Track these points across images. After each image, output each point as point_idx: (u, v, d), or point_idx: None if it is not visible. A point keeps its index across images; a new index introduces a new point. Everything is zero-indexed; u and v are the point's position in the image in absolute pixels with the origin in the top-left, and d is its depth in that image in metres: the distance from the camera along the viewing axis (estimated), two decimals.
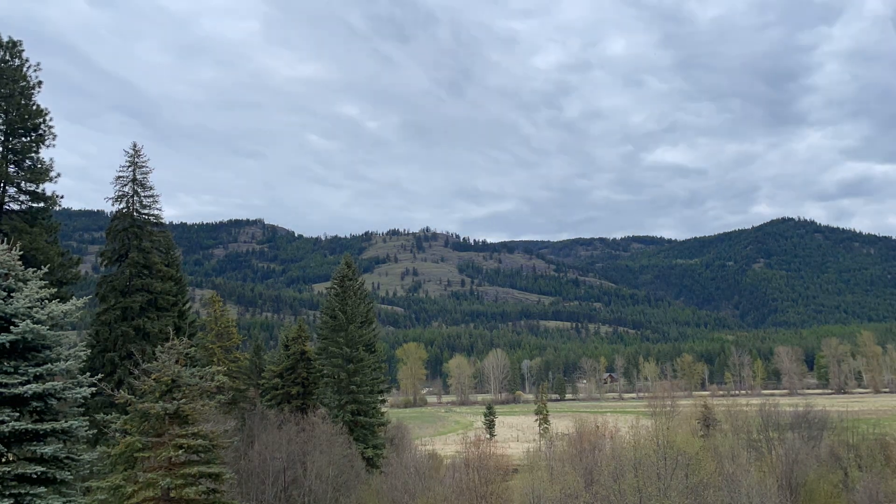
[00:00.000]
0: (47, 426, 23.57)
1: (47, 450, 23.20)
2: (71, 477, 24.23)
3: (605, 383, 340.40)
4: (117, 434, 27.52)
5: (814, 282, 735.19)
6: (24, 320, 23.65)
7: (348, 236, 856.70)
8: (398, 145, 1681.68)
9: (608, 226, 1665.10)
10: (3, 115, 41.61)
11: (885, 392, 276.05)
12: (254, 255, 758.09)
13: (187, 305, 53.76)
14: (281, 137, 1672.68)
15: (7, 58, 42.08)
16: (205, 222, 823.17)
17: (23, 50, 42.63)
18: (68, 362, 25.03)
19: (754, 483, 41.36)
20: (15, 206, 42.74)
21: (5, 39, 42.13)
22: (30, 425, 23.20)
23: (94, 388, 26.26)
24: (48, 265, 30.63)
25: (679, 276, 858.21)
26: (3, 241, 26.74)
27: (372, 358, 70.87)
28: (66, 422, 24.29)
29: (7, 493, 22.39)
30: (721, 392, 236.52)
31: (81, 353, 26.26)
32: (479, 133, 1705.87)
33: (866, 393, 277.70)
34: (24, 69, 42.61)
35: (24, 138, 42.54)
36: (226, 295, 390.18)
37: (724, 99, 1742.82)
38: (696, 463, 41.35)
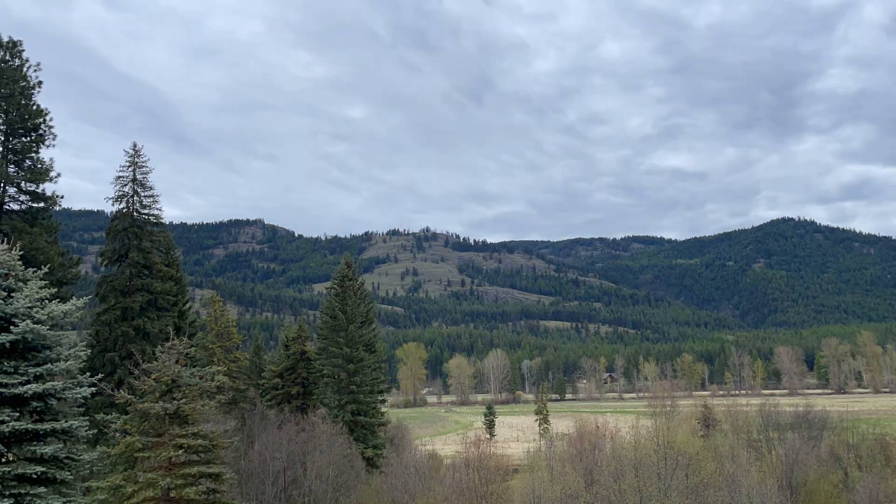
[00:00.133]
0: (47, 426, 23.55)
1: (47, 450, 23.18)
2: (71, 477, 24.21)
3: (605, 383, 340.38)
4: (117, 434, 27.50)
5: (814, 282, 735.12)
6: (24, 320, 23.64)
7: (348, 236, 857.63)
8: (413, 150, 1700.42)
9: (608, 226, 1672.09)
10: (3, 115, 41.61)
11: (885, 392, 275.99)
12: (254, 255, 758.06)
13: (187, 305, 53.74)
14: (296, 140, 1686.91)
15: (7, 58, 42.08)
16: (205, 222, 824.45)
17: (23, 50, 42.64)
18: (68, 362, 25.02)
19: (754, 483, 41.37)
20: (15, 206, 42.74)
21: (5, 39, 42.14)
22: (30, 425, 23.19)
23: (94, 388, 26.25)
24: (48, 265, 30.62)
25: (679, 276, 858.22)
26: (3, 241, 26.73)
27: (372, 358, 70.86)
28: (66, 422, 24.28)
29: (7, 493, 22.38)
30: (721, 392, 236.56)
31: (81, 353, 26.24)
32: (492, 137, 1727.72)
33: (866, 393, 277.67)
34: (25, 69, 42.61)
35: (24, 138, 42.54)
36: (226, 295, 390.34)
37: (724, 103, 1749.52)
38: (697, 463, 41.35)
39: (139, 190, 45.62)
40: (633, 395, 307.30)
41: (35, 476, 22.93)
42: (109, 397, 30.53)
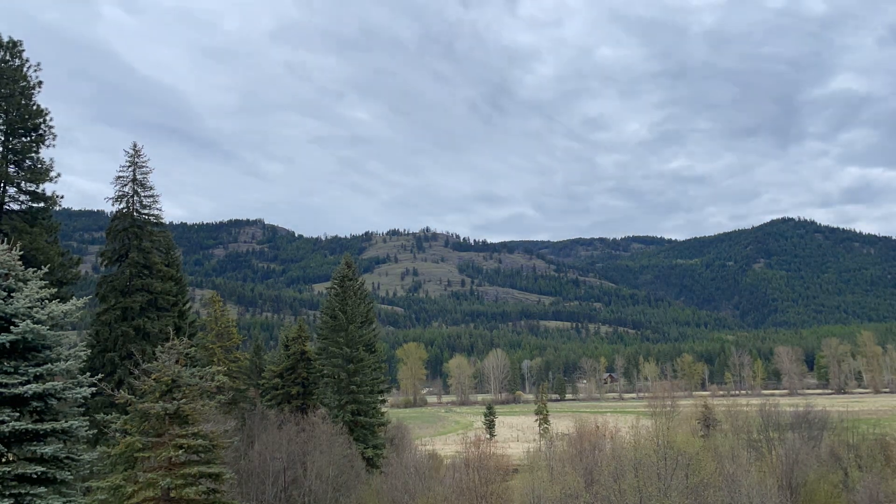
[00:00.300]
0: (47, 426, 23.55)
1: (47, 450, 23.18)
2: (71, 477, 24.21)
3: (605, 383, 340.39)
4: (117, 434, 27.50)
5: (814, 282, 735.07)
6: (24, 320, 23.64)
7: (348, 236, 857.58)
8: (430, 154, 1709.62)
9: (608, 226, 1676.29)
10: (3, 115, 41.61)
11: (885, 392, 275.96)
12: (254, 255, 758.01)
13: (187, 305, 53.75)
14: (311, 142, 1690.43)
15: (7, 58, 42.09)
16: (205, 222, 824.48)
17: (23, 50, 42.65)
18: (68, 362, 25.01)
19: (754, 483, 41.37)
20: (15, 206, 42.75)
21: (5, 39, 42.15)
22: (30, 425, 23.18)
23: (94, 388, 26.25)
24: (48, 265, 30.62)
25: (679, 276, 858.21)
26: (3, 241, 26.73)
27: (372, 358, 70.86)
28: (66, 422, 24.28)
29: (7, 493, 22.38)
30: (721, 392, 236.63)
31: (81, 353, 26.24)
32: (499, 140, 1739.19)
33: (866, 393, 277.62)
34: (25, 69, 42.61)
35: (24, 138, 42.55)
36: (226, 295, 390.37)
37: (725, 108, 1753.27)
38: (697, 463, 41.34)
39: (139, 190, 45.63)
40: (633, 395, 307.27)
41: (35, 476, 22.92)
42: (109, 397, 30.54)
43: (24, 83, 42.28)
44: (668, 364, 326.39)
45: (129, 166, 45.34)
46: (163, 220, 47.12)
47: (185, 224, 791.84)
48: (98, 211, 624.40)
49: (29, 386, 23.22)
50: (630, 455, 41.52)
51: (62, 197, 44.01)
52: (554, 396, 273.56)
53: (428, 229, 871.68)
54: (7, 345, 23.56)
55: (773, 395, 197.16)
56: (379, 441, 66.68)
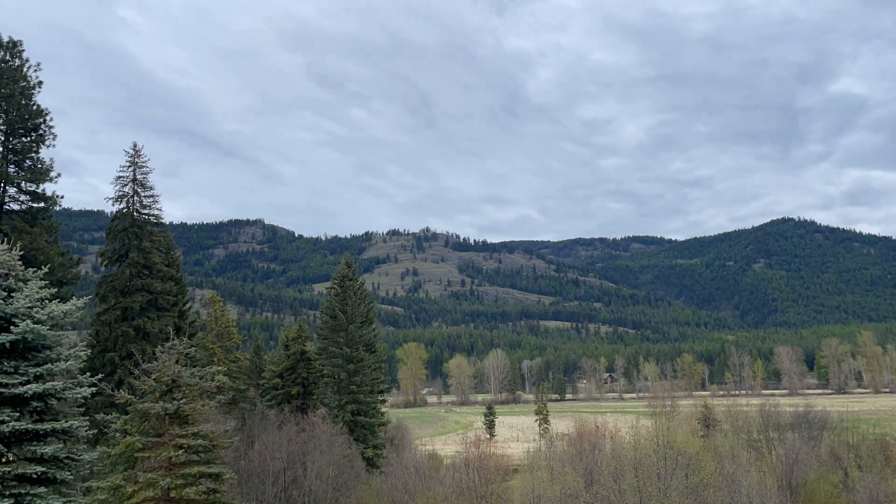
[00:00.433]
0: (47, 426, 23.55)
1: (47, 450, 23.18)
2: (71, 477, 24.21)
3: (606, 383, 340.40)
4: (117, 434, 27.50)
5: (814, 282, 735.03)
6: (24, 320, 23.64)
7: (348, 236, 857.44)
8: (445, 157, 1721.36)
9: (608, 226, 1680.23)
10: (3, 115, 41.61)
11: (885, 392, 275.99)
12: (254, 255, 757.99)
13: (187, 305, 53.75)
14: (324, 145, 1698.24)
15: (7, 58, 42.09)
16: (205, 222, 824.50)
17: (23, 50, 42.64)
18: (68, 362, 25.02)
19: (754, 483, 41.37)
20: (15, 206, 42.76)
21: (5, 39, 42.15)
22: (30, 425, 23.19)
23: (94, 388, 26.24)
24: (48, 265, 30.62)
25: (679, 276, 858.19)
26: (3, 241, 26.73)
27: (372, 358, 70.86)
28: (66, 422, 24.28)
29: (7, 493, 22.38)
30: (721, 392, 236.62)
31: (81, 353, 26.24)
32: (513, 144, 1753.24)
33: (866, 393, 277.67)
34: (25, 69, 42.61)
35: (24, 138, 42.55)
36: (226, 295, 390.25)
37: (725, 113, 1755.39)
38: (697, 463, 41.35)
39: (139, 190, 45.63)
40: (633, 395, 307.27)
41: (35, 476, 22.93)
42: (109, 397, 30.54)
43: (25, 83, 42.28)
44: (668, 364, 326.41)
45: (129, 166, 45.34)
46: (163, 220, 47.13)
47: (185, 224, 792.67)
48: (98, 211, 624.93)
49: (29, 386, 23.22)
50: (630, 455, 41.52)
51: (62, 197, 44.05)
52: (554, 396, 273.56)
53: (428, 229, 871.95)
54: (7, 345, 23.56)
55: (773, 395, 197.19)
56: (379, 441, 66.68)
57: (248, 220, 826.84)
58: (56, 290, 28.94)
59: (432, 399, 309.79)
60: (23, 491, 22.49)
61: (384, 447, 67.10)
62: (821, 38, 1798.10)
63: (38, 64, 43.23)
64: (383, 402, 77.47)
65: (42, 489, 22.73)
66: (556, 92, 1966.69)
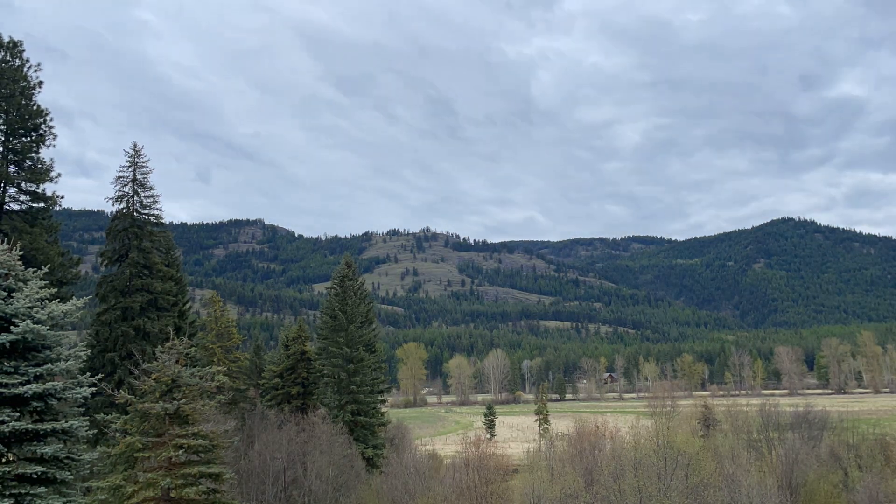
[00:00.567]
0: (47, 426, 23.55)
1: (47, 450, 23.18)
2: (71, 477, 24.21)
3: (605, 383, 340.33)
4: (117, 434, 27.51)
5: (814, 282, 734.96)
6: (24, 320, 23.64)
7: (348, 236, 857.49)
8: (460, 160, 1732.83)
9: (608, 225, 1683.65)
10: (3, 116, 41.62)
11: (885, 392, 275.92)
12: (254, 255, 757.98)
13: (187, 305, 53.77)
14: (349, 148, 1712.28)
15: (7, 58, 42.09)
16: (205, 222, 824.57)
17: (23, 50, 42.65)
18: (68, 362, 25.01)
19: (754, 483, 41.38)
20: (15, 206, 42.77)
21: (6, 40, 42.16)
22: (30, 425, 23.18)
23: (94, 388, 26.24)
24: (48, 265, 30.62)
25: (679, 276, 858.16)
26: (3, 241, 26.72)
27: (372, 358, 70.87)
28: (66, 422, 24.27)
29: (7, 493, 22.39)
30: (721, 392, 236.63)
31: (81, 353, 26.24)
32: (523, 148, 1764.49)
33: (866, 393, 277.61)
34: (25, 69, 42.62)
35: (24, 138, 42.56)
36: (226, 295, 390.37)
37: (726, 116, 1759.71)
38: (697, 463, 41.35)
39: (139, 190, 45.66)
40: (633, 395, 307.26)
41: (35, 476, 22.93)
42: (109, 397, 30.55)
43: (25, 83, 42.30)
44: (668, 364, 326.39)
45: (130, 166, 45.37)
46: (163, 220, 47.16)
47: (185, 224, 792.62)
48: (98, 211, 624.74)
49: (29, 386, 23.22)
50: (630, 455, 41.51)
51: (62, 197, 44.07)
52: (554, 396, 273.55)
53: (428, 229, 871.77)
54: (7, 345, 23.56)
55: (773, 395, 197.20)
56: (379, 441, 66.69)
57: (248, 220, 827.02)
58: (56, 290, 28.94)
59: (432, 399, 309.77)
60: (23, 491, 22.49)
61: (384, 447, 67.11)
62: (820, 44, 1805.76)
63: (39, 64, 43.30)
64: (383, 402, 77.47)
65: (42, 489, 22.73)
66: (556, 96, 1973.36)
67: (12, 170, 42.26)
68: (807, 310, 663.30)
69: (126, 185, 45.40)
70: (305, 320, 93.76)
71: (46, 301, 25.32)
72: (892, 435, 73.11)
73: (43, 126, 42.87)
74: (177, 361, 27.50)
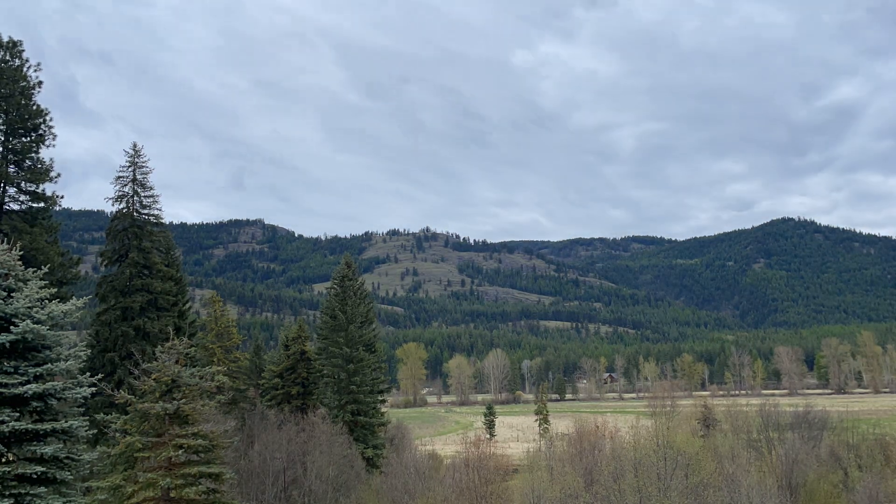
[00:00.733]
0: (47, 426, 23.55)
1: (47, 450, 23.18)
2: (71, 477, 24.20)
3: (605, 383, 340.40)
4: (117, 434, 27.51)
5: (814, 282, 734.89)
6: (24, 320, 23.63)
7: (348, 236, 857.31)
8: (475, 163, 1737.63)
9: (608, 225, 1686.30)
10: (3, 115, 41.63)
11: (885, 392, 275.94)
12: (254, 255, 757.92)
13: (187, 305, 53.77)
14: (370, 152, 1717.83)
15: (7, 58, 42.09)
16: (205, 222, 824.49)
17: (23, 50, 42.66)
18: (68, 362, 25.01)
19: (754, 483, 41.37)
20: (15, 206, 42.79)
21: (5, 39, 42.16)
22: (30, 425, 23.18)
23: (94, 388, 26.24)
24: (48, 265, 30.61)
25: (679, 276, 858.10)
26: (3, 241, 26.72)
27: (372, 358, 70.87)
28: (66, 422, 24.27)
29: (7, 493, 22.38)
30: (721, 392, 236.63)
31: (81, 353, 26.24)
32: (534, 152, 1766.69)
33: (866, 393, 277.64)
34: (25, 69, 42.62)
35: (24, 138, 42.58)
36: (226, 295, 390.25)
37: (727, 121, 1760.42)
38: (696, 463, 41.34)
39: (139, 190, 45.68)
40: (633, 395, 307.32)
41: (35, 476, 22.92)
42: (109, 397, 30.55)
43: (24, 83, 42.30)
44: (668, 364, 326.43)
45: (129, 166, 45.39)
46: (163, 220, 47.19)
47: (185, 224, 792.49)
48: (98, 211, 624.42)
49: (29, 386, 23.22)
50: (630, 455, 41.51)
51: (62, 197, 44.12)
52: (554, 396, 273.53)
53: (428, 229, 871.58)
54: (7, 345, 23.56)
55: (773, 395, 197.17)
56: (379, 441, 66.70)
57: (248, 220, 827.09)
58: (56, 290, 28.94)
59: (432, 399, 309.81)
60: (23, 491, 22.49)
61: (384, 447, 67.11)
62: (820, 51, 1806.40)
63: (38, 64, 43.33)
64: (383, 402, 77.47)
65: (42, 489, 22.72)
66: (557, 99, 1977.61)
67: (12, 170, 42.28)
68: (807, 310, 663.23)
69: (126, 185, 45.43)
70: (305, 320, 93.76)
71: (46, 301, 25.31)
72: (892, 435, 73.11)
73: (43, 126, 42.88)
74: (177, 361, 27.50)
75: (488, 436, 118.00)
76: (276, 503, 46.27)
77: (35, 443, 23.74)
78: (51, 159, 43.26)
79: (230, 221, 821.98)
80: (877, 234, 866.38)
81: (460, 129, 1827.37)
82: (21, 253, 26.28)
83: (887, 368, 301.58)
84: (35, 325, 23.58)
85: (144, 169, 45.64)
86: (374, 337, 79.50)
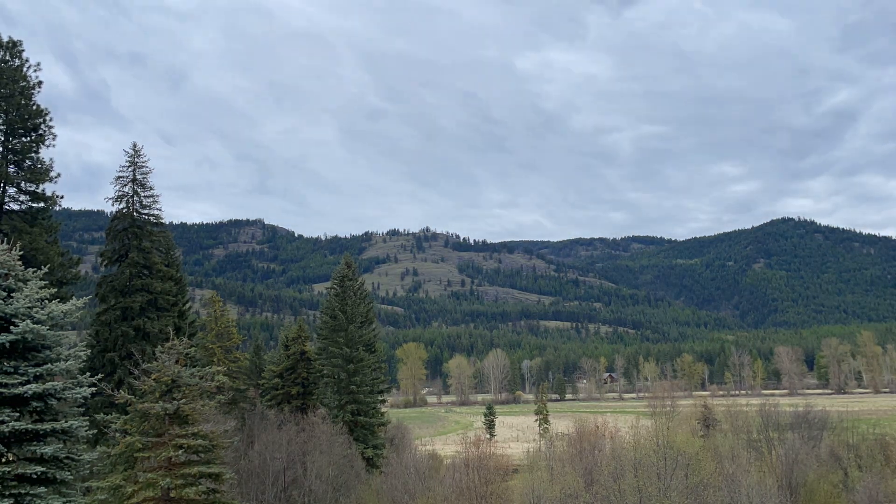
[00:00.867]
0: (47, 426, 23.55)
1: (47, 450, 23.18)
2: (71, 477, 24.21)
3: (605, 383, 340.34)
4: (117, 434, 27.51)
5: (814, 282, 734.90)
6: (24, 320, 23.64)
7: (348, 236, 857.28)
8: (486, 166, 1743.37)
9: (608, 227, 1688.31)
10: (3, 115, 41.63)
11: (885, 392, 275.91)
12: (254, 255, 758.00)
13: (187, 305, 53.76)
14: (385, 154, 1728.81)
15: (7, 58, 42.09)
16: (205, 222, 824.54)
17: (23, 50, 42.67)
18: (68, 362, 25.01)
19: (754, 483, 41.38)
20: (15, 206, 42.79)
21: (5, 39, 42.16)
22: (30, 425, 23.18)
23: (94, 388, 26.24)
24: (48, 265, 30.61)
25: (679, 276, 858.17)
26: (3, 241, 26.72)
27: (372, 358, 70.87)
28: (66, 422, 24.27)
29: (7, 493, 22.39)
30: (721, 392, 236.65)
31: (81, 353, 26.23)
32: (540, 155, 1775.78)
33: (866, 393, 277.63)
34: (24, 69, 42.62)
35: (24, 138, 42.58)
36: (226, 295, 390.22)
37: (728, 125, 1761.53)
38: (696, 463, 41.34)
39: (139, 190, 45.67)
40: (633, 395, 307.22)
41: (35, 476, 22.92)
42: (109, 397, 30.54)
43: (24, 83, 42.30)
44: (668, 364, 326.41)
45: (129, 166, 45.38)
46: (163, 220, 47.18)
47: (185, 224, 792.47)
48: (98, 211, 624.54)
49: (29, 386, 23.22)
50: (630, 455, 41.51)
51: (62, 197, 44.09)
52: (554, 396, 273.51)
53: (428, 229, 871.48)
54: (7, 345, 23.56)
55: (773, 395, 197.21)
56: (379, 441, 66.69)
57: (247, 220, 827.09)
58: (56, 290, 28.94)
59: (432, 399, 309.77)
60: (23, 491, 22.49)
61: (384, 447, 67.11)
62: (820, 55, 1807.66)
63: (38, 64, 43.32)
64: (383, 402, 77.47)
65: (42, 489, 22.72)
66: (559, 102, 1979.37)
67: (12, 170, 42.28)
68: (807, 310, 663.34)
69: (126, 185, 45.42)
70: (305, 320, 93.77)
71: (46, 301, 25.31)
72: (892, 435, 73.11)
73: (42, 126, 42.88)
74: (177, 361, 27.51)
75: (488, 436, 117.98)
76: (276, 503, 46.27)
77: (35, 443, 23.74)
78: (51, 159, 43.33)
79: (230, 221, 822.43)
80: (877, 234, 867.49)
81: (478, 134, 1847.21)
82: (21, 253, 26.27)
83: (887, 368, 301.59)
84: (35, 325, 23.58)
85: (144, 169, 45.66)
86: (374, 337, 79.50)
